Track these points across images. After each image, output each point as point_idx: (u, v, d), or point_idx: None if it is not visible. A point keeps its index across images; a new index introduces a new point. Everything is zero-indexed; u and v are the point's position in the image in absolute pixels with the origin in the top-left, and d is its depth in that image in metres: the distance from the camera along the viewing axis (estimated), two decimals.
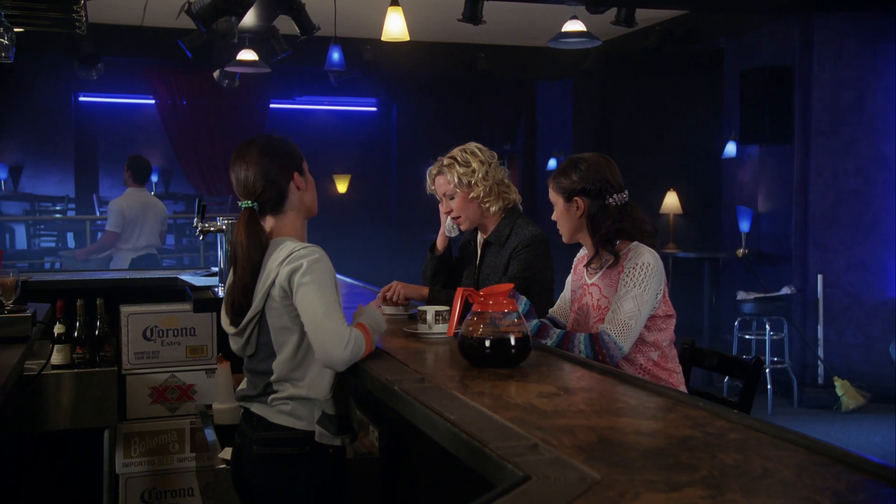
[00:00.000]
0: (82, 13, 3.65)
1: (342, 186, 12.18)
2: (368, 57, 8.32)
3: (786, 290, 6.87)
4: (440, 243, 3.30)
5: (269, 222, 2.31)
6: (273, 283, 2.19)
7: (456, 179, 3.10)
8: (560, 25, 6.37)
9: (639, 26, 6.58)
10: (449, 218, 3.20)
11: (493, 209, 3.13)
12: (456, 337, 2.21)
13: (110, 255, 6.53)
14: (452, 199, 3.14)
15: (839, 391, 6.51)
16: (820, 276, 6.92)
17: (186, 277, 4.23)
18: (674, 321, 2.65)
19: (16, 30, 3.63)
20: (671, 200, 8.72)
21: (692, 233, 8.87)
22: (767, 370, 6.63)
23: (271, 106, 11.43)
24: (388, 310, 3.02)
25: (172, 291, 4.23)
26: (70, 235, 10.46)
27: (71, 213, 10.72)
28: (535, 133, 11.20)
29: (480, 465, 1.47)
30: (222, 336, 2.39)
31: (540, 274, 3.06)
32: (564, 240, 2.77)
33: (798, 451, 1.44)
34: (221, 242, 3.71)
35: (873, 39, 6.90)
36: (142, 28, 7.73)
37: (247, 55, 6.33)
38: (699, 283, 7.86)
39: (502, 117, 11.60)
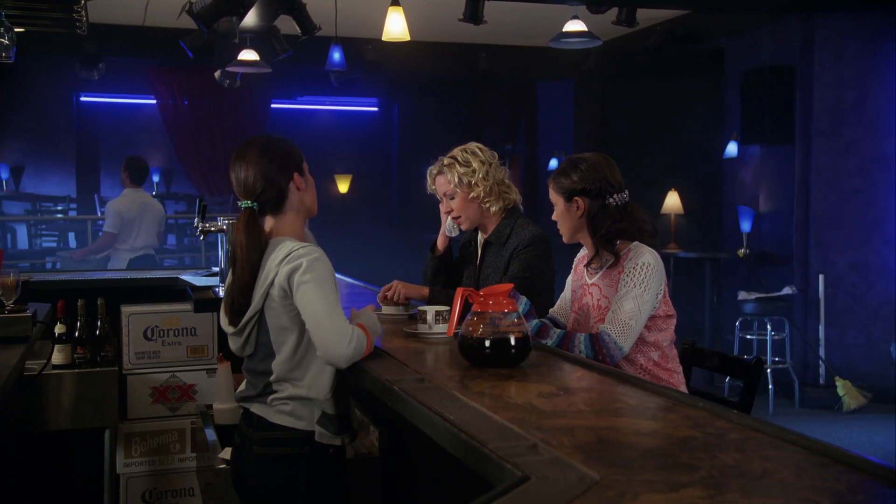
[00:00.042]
0: (83, 13, 3.66)
1: (343, 186, 12.19)
2: (370, 57, 8.33)
3: (787, 290, 6.87)
4: (440, 243, 3.30)
5: (268, 222, 2.31)
6: (272, 282, 2.19)
7: (456, 179, 3.09)
8: (561, 25, 6.37)
9: (640, 26, 6.58)
10: (449, 218, 3.20)
11: (493, 209, 3.13)
12: (456, 337, 2.20)
13: (108, 255, 6.53)
14: (453, 198, 3.14)
15: (840, 391, 6.50)
16: (821, 276, 6.92)
17: (187, 277, 4.23)
18: (674, 321, 2.65)
19: (16, 30, 3.63)
20: (672, 200, 8.72)
21: (693, 233, 8.87)
22: (769, 370, 6.63)
23: (272, 106, 11.44)
24: (388, 310, 3.02)
25: (173, 291, 4.24)
26: (71, 235, 10.47)
27: (72, 213, 10.73)
28: (536, 133, 11.20)
29: (479, 466, 1.47)
30: (223, 336, 2.39)
31: (540, 274, 3.05)
32: (565, 240, 2.77)
33: (798, 451, 1.44)
34: (222, 242, 3.71)
35: (874, 39, 6.89)
36: (143, 28, 7.72)
37: (248, 55, 6.33)
38: (700, 284, 7.87)
39: (503, 117, 11.60)
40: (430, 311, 2.54)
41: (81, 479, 3.89)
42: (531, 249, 3.03)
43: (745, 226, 7.48)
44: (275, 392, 2.27)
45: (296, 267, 2.16)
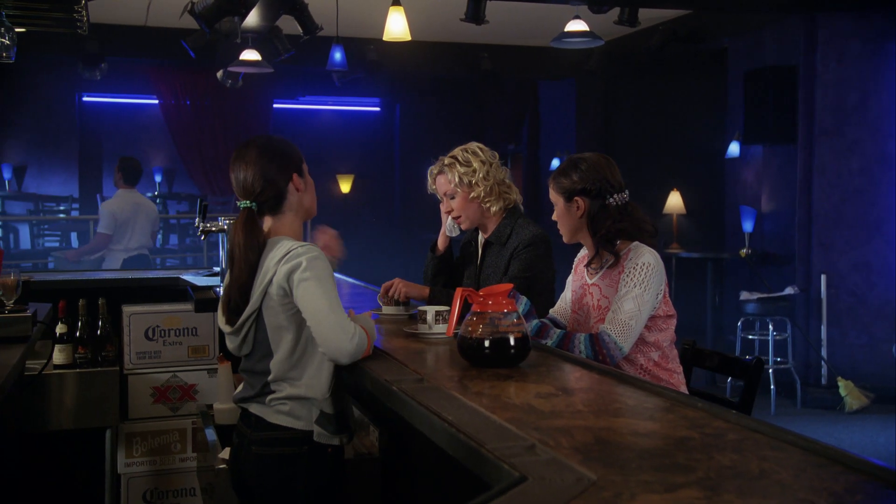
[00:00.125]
0: (84, 13, 3.66)
1: (345, 186, 12.19)
2: (371, 57, 8.33)
3: (789, 291, 6.86)
4: (441, 243, 3.30)
5: (267, 222, 2.32)
6: (270, 281, 2.19)
7: (457, 179, 3.09)
8: (563, 25, 6.37)
9: (642, 26, 6.59)
10: (450, 218, 3.20)
11: (493, 209, 3.13)
12: (455, 337, 2.20)
13: (102, 255, 6.56)
14: (453, 198, 3.14)
15: (843, 392, 6.49)
16: (823, 276, 6.91)
17: (188, 277, 4.24)
18: (674, 321, 2.64)
19: (17, 30, 3.64)
20: (674, 200, 8.71)
21: (695, 233, 8.86)
22: (770, 371, 6.62)
23: (275, 106, 11.45)
24: (389, 309, 3.02)
25: (174, 291, 4.24)
26: (73, 235, 10.48)
27: (75, 213, 10.73)
28: (539, 133, 11.20)
29: (477, 466, 1.47)
30: (224, 336, 2.39)
31: (540, 274, 3.05)
32: (565, 240, 2.77)
33: (796, 451, 1.43)
34: (223, 242, 3.72)
35: (876, 39, 6.88)
36: (145, 28, 7.74)
37: (250, 55, 6.34)
38: (702, 284, 7.86)
39: (505, 117, 11.60)
40: (430, 311, 2.54)
41: (82, 479, 3.89)
42: (531, 249, 3.03)
43: (748, 226, 7.47)
44: (273, 392, 2.27)
45: (295, 265, 2.16)
